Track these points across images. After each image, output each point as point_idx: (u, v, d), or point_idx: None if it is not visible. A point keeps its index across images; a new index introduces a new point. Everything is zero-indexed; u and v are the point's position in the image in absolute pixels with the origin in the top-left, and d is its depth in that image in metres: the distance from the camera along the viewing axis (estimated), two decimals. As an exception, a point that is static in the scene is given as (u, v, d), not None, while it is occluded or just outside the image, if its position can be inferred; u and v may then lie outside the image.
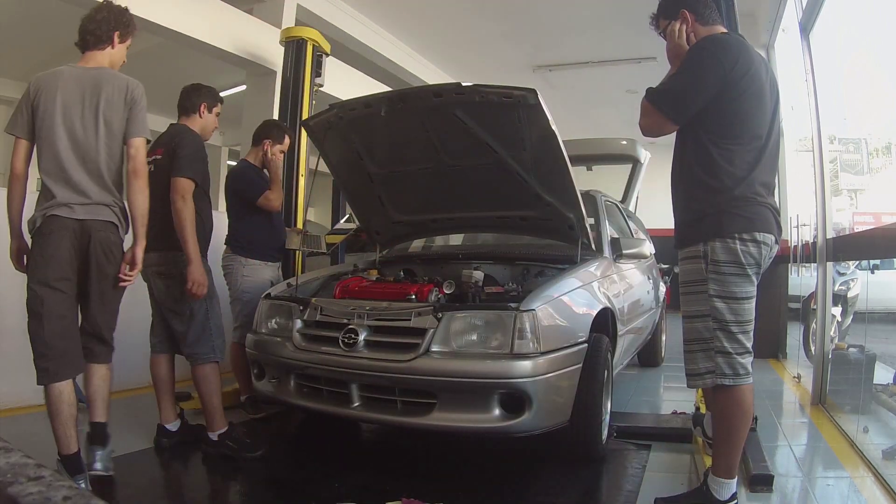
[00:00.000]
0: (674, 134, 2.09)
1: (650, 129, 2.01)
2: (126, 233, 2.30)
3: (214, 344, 2.68)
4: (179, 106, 2.82)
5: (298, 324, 2.63)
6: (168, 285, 2.65)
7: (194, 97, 2.79)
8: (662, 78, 2.09)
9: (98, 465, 2.24)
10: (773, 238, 1.96)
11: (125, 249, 2.27)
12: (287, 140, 3.44)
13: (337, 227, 4.54)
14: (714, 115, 1.93)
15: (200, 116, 2.80)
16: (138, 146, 2.20)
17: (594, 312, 2.66)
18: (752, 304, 1.96)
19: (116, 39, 2.33)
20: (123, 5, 3.96)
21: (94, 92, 2.17)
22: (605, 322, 2.81)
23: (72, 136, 2.16)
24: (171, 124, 2.78)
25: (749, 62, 1.93)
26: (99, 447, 2.27)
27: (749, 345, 1.96)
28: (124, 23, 2.36)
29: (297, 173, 4.10)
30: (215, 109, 2.86)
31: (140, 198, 2.20)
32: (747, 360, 1.94)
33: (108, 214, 2.19)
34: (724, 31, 2.06)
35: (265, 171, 3.39)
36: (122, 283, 2.26)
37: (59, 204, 2.12)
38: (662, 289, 4.88)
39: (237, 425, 2.75)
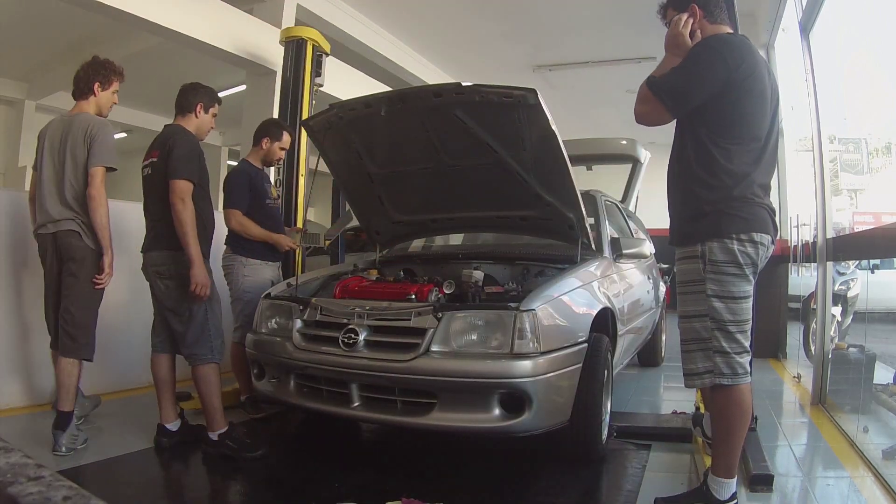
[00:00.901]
0: (673, 133, 2.09)
1: (646, 116, 2.01)
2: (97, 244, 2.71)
3: (213, 345, 2.68)
4: (176, 104, 2.81)
5: (298, 324, 2.63)
6: (168, 285, 2.65)
7: (191, 96, 2.78)
8: (657, 66, 2.08)
9: (62, 448, 2.55)
10: (770, 238, 1.96)
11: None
12: (286, 137, 3.43)
13: (328, 233, 4.52)
14: (715, 114, 1.93)
15: (196, 116, 2.78)
16: (94, 174, 2.65)
17: (594, 312, 2.66)
18: (750, 303, 1.96)
19: (98, 89, 2.82)
20: (123, 8, 4.06)
21: (67, 134, 2.71)
22: (605, 322, 2.81)
23: (53, 170, 2.72)
24: (166, 125, 2.78)
25: (754, 64, 1.93)
26: (60, 431, 2.56)
27: (747, 344, 1.96)
28: (103, 74, 2.83)
29: (297, 173, 4.10)
30: (212, 110, 2.85)
31: (96, 217, 2.65)
32: (745, 360, 1.95)
33: (70, 225, 2.68)
34: (731, 31, 2.06)
35: (266, 168, 3.42)
36: (96, 286, 2.68)
37: (40, 225, 2.74)
38: (662, 289, 4.88)
39: (237, 425, 2.75)
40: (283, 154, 3.48)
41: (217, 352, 2.69)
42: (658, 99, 1.96)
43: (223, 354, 2.78)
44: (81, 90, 2.82)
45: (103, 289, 2.73)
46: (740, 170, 1.92)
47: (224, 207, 3.21)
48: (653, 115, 1.99)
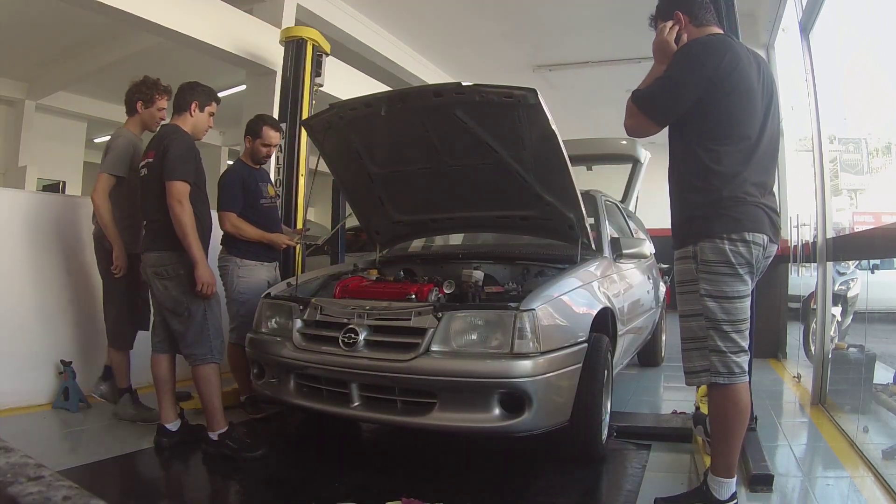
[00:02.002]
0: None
1: (634, 129, 2.02)
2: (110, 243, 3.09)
3: (213, 345, 2.68)
4: (173, 104, 2.81)
5: (298, 323, 2.63)
6: (166, 286, 2.65)
7: (187, 95, 2.77)
8: (645, 76, 2.10)
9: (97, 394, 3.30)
10: (766, 238, 1.96)
11: None
12: (267, 133, 3.31)
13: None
14: (700, 117, 1.94)
15: (191, 115, 2.76)
16: (97, 180, 3.06)
17: (594, 312, 2.66)
18: (746, 303, 1.96)
19: (140, 107, 3.12)
20: (123, 8, 4.14)
21: None
22: (605, 322, 2.81)
23: None
24: (162, 125, 2.80)
25: (736, 61, 1.92)
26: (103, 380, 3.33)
27: (744, 344, 1.96)
28: (144, 92, 3.12)
29: (297, 173, 4.10)
30: (208, 108, 2.83)
31: (98, 218, 3.09)
32: (742, 359, 1.95)
33: (96, 232, 3.20)
34: (718, 31, 2.06)
35: (262, 167, 3.41)
36: (115, 276, 3.11)
37: None
38: (662, 288, 4.88)
39: (237, 425, 2.75)
40: (267, 150, 3.35)
41: (217, 352, 2.69)
42: (642, 112, 1.97)
43: (223, 354, 2.78)
44: (127, 109, 3.15)
45: (124, 286, 3.16)
46: (730, 170, 1.92)
47: (218, 210, 3.19)
48: (640, 128, 2.00)
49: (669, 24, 2.05)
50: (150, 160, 2.68)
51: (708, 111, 1.92)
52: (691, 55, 1.94)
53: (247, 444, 2.63)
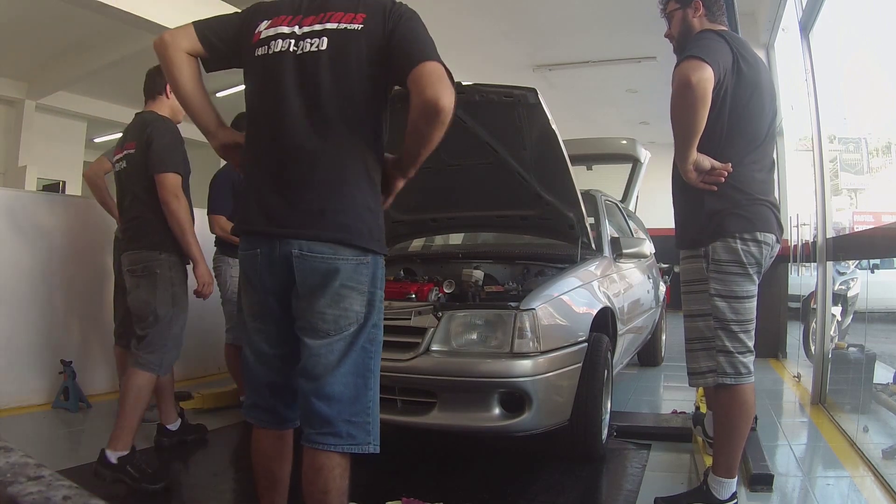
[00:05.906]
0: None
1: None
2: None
3: (165, 357, 2.42)
4: (144, 90, 2.58)
5: (298, 323, 2.62)
6: (137, 284, 2.45)
7: (157, 78, 2.52)
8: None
9: None
10: (774, 237, 1.97)
11: None
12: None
13: None
14: (715, 116, 1.93)
15: (167, 97, 2.51)
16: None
17: (594, 312, 2.66)
18: (754, 303, 1.96)
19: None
20: (123, 8, 4.02)
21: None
22: (605, 321, 2.81)
23: None
24: (137, 113, 2.55)
25: (728, 63, 1.88)
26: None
27: (750, 344, 1.96)
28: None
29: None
30: None
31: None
32: (749, 360, 1.94)
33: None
34: (722, 28, 2.06)
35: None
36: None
37: None
38: (662, 288, 4.89)
39: (139, 453, 2.38)
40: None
41: (166, 365, 2.46)
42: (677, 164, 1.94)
43: (171, 369, 2.63)
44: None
45: None
46: (742, 169, 1.91)
47: (207, 213, 3.15)
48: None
49: (689, 12, 2.03)
50: (131, 151, 2.44)
51: (724, 111, 1.90)
52: (684, 93, 1.82)
53: (148, 474, 2.26)
